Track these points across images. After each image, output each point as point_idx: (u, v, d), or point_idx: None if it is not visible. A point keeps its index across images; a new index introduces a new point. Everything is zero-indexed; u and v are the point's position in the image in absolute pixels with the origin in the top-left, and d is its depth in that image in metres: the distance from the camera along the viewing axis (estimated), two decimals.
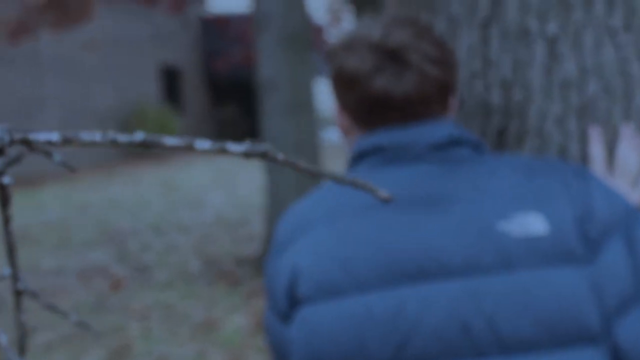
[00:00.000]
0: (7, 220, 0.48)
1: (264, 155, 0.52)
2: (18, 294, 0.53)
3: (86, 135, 0.48)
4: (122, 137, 0.48)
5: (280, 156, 0.53)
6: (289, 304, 1.21)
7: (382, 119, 1.28)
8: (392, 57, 1.25)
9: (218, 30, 23.71)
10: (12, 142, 0.47)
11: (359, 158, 1.30)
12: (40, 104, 18.36)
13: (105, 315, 6.49)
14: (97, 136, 0.48)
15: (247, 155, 0.51)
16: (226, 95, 24.94)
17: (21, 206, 13.32)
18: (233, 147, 0.51)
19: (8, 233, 0.50)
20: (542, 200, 1.17)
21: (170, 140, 0.50)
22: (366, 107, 1.28)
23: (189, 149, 0.51)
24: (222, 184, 14.76)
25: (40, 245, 9.77)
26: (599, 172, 1.39)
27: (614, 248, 1.14)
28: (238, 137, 25.48)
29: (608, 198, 1.18)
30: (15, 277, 0.51)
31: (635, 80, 1.39)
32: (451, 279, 1.14)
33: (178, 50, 23.25)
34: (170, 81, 23.11)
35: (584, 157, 1.40)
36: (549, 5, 1.40)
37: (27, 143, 0.47)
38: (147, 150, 20.71)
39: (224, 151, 0.51)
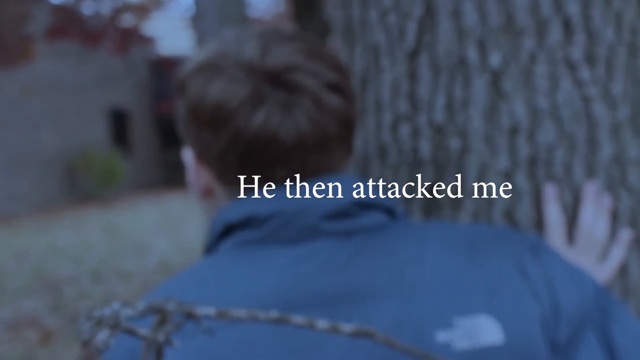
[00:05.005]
0: None
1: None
2: None
3: (237, 312, 0.53)
4: (261, 314, 0.52)
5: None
6: None
7: (262, 173, 0.95)
8: (275, 82, 0.93)
9: (164, 71, 23.96)
10: (183, 317, 0.53)
11: (224, 234, 0.97)
12: None
13: None
14: (243, 312, 0.53)
15: None
16: (175, 138, 25.11)
17: None
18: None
19: None
20: (494, 296, 0.89)
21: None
22: (238, 156, 0.94)
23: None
24: (167, 228, 14.67)
25: None
26: (556, 243, 1.13)
27: (590, 351, 0.90)
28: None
29: (574, 283, 0.93)
30: None
31: (600, 125, 1.16)
32: None
33: (125, 92, 23.27)
34: (118, 124, 23.11)
35: (537, 224, 1.19)
36: (492, 31, 1.18)
37: (190, 315, 0.52)
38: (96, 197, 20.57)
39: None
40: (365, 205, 0.95)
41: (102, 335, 0.50)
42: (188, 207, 18.52)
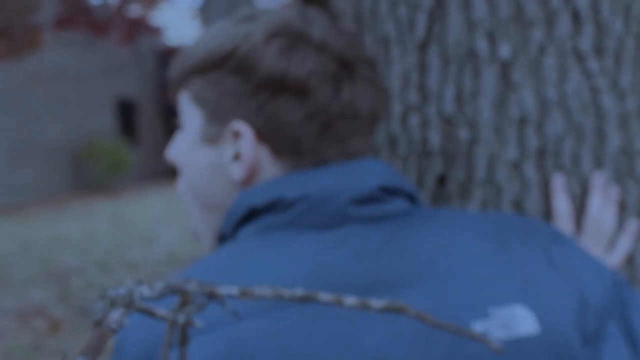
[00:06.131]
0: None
1: None
2: None
3: (260, 290, 0.51)
4: (286, 292, 0.51)
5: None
6: None
7: (337, 144, 0.93)
8: (341, 62, 0.93)
9: (171, 62, 23.92)
10: (205, 297, 0.51)
11: (245, 220, 0.92)
12: None
13: (40, 359, 6.34)
14: (266, 291, 0.51)
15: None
16: None
17: None
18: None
19: None
20: (527, 285, 0.85)
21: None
22: (320, 126, 0.91)
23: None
24: (174, 218, 14.64)
25: None
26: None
27: (614, 343, 0.87)
28: None
29: (597, 274, 0.90)
30: None
31: (609, 117, 1.15)
32: None
33: (131, 82, 23.24)
34: (125, 114, 23.08)
35: (546, 214, 1.18)
36: (502, 22, 1.17)
37: (212, 295, 0.51)
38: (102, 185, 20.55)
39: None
40: (390, 190, 0.91)
41: (116, 315, 0.48)
42: None
